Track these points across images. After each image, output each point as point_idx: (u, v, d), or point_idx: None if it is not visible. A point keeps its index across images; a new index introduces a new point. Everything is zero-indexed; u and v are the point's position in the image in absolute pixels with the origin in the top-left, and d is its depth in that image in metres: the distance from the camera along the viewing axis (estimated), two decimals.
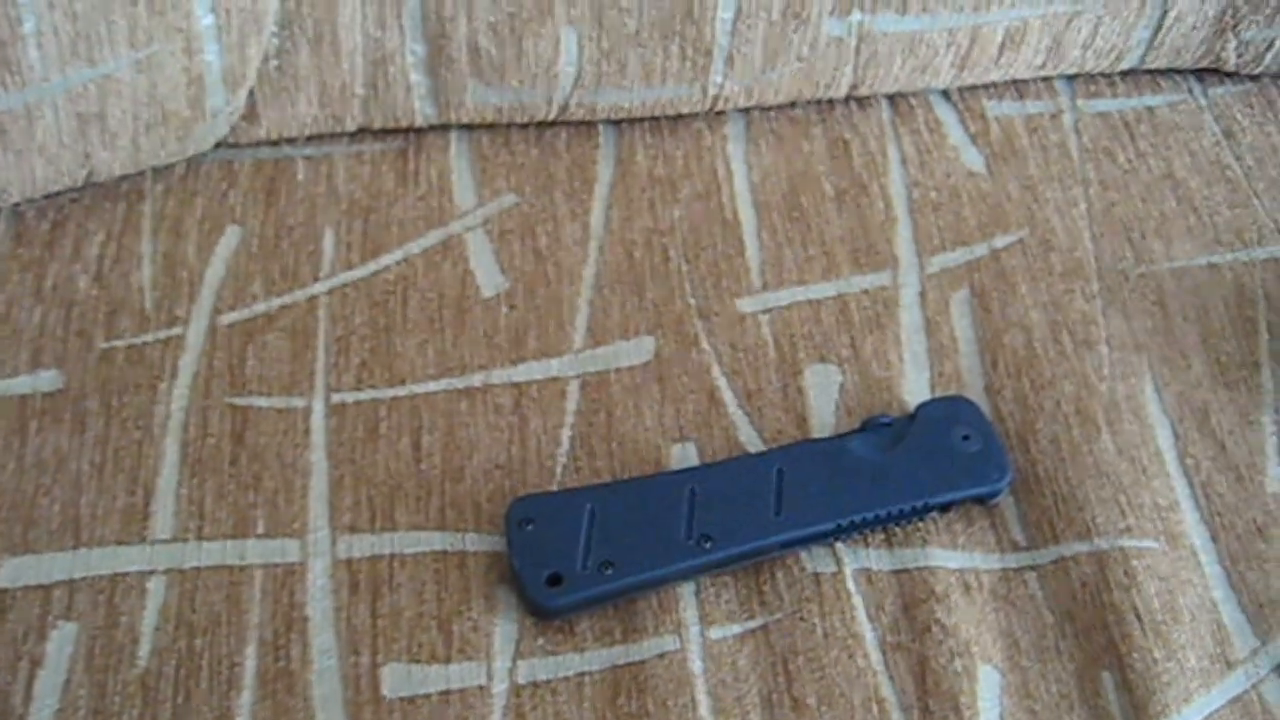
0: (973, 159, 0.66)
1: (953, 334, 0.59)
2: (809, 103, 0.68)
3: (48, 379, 0.55)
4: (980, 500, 0.54)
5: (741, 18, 0.62)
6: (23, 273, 0.59)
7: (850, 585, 0.52)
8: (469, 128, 0.65)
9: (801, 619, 0.51)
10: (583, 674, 0.49)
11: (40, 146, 0.57)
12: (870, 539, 0.53)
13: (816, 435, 0.56)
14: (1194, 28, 0.68)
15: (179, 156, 0.62)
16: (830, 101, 0.68)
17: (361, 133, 0.65)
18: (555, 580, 0.49)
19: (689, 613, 0.51)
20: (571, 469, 0.54)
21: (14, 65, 0.53)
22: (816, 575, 0.52)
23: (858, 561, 0.52)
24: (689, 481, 0.52)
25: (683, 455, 0.55)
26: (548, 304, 0.59)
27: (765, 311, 0.60)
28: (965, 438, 0.54)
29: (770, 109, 0.67)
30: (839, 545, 0.52)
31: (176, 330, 0.57)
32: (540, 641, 0.50)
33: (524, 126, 0.66)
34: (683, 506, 0.51)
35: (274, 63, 0.61)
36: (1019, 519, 0.54)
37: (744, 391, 0.57)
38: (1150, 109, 0.69)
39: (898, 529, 0.53)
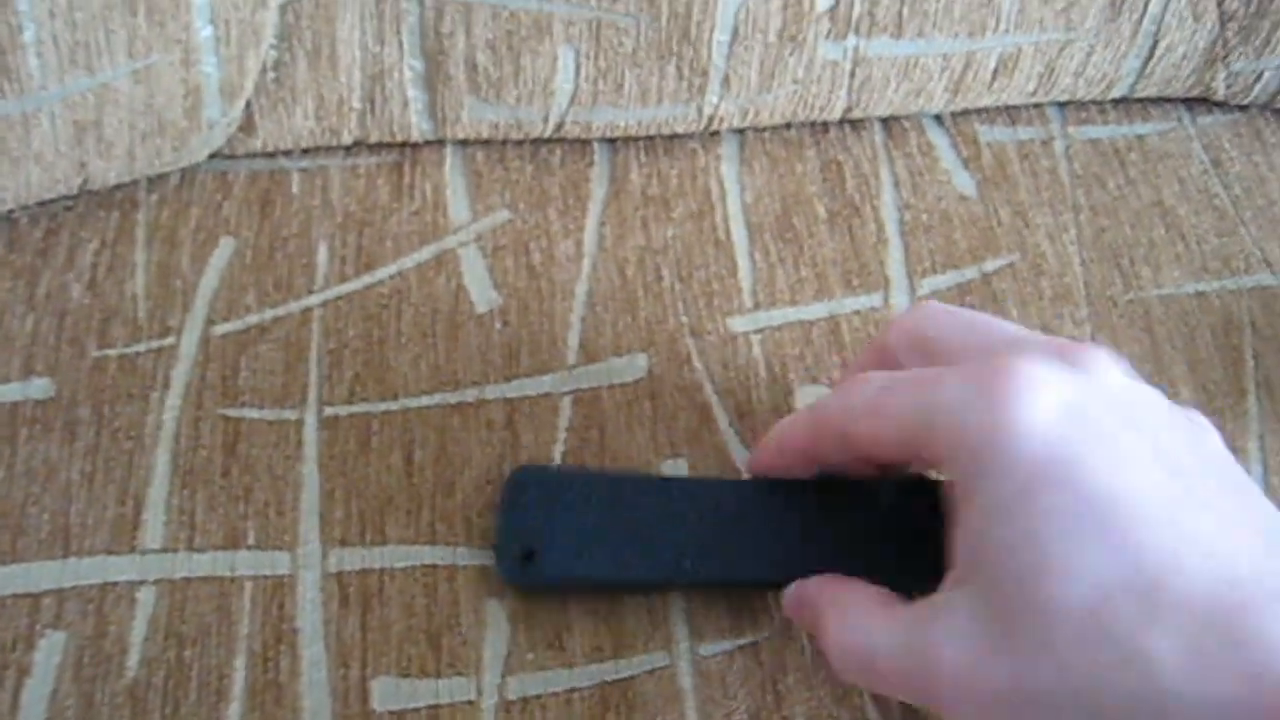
0: (964, 183, 0.67)
1: None
2: (803, 124, 0.68)
3: (39, 387, 0.55)
4: None
5: (738, 40, 0.62)
6: (15, 280, 0.58)
7: None
8: (464, 143, 0.66)
9: (791, 638, 0.51)
10: (572, 689, 0.49)
11: (36, 154, 0.57)
12: None
13: None
14: (1184, 58, 0.69)
15: (174, 166, 0.62)
16: (824, 124, 0.68)
17: (357, 146, 0.65)
18: (529, 556, 0.49)
19: (679, 628, 0.51)
20: None
21: (13, 73, 0.54)
22: None
23: None
24: (689, 495, 0.51)
25: (674, 471, 0.55)
26: (540, 320, 0.59)
27: (757, 331, 0.60)
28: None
29: (765, 130, 0.68)
30: None
31: (169, 340, 0.57)
32: (530, 656, 0.50)
33: (519, 143, 0.66)
34: (677, 521, 0.50)
35: (271, 75, 0.61)
36: None
37: (736, 410, 0.57)
38: (1140, 137, 0.70)
39: None
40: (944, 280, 0.63)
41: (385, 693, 0.49)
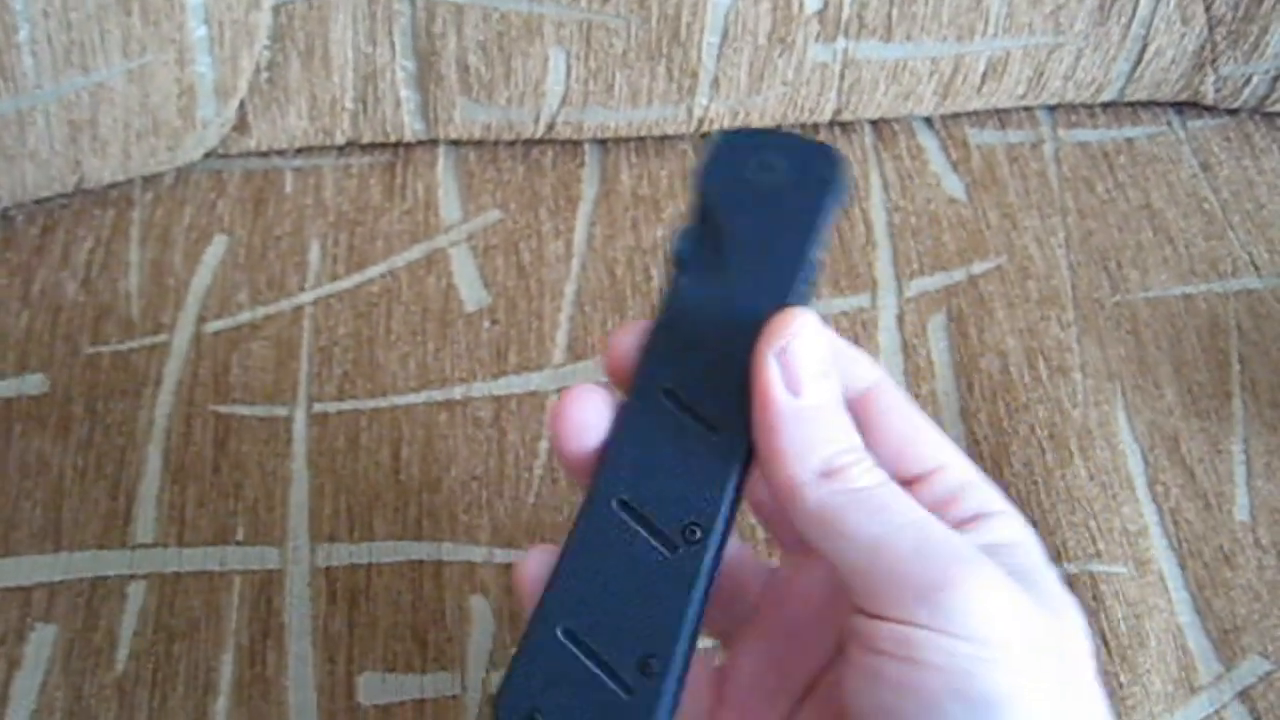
0: (953, 186, 0.67)
1: (929, 357, 0.60)
2: (793, 126, 0.68)
3: (33, 382, 0.56)
4: None
5: (728, 41, 0.63)
6: (11, 277, 0.59)
7: None
8: (456, 144, 0.66)
9: None
10: None
11: (31, 152, 0.57)
12: None
13: None
14: (1173, 62, 0.69)
15: (169, 165, 0.63)
16: (815, 125, 0.69)
17: (350, 146, 0.65)
18: None
19: None
20: (548, 480, 0.55)
21: (8, 72, 0.54)
22: None
23: None
24: None
25: None
26: (529, 319, 0.60)
27: None
28: None
29: None
30: None
31: (162, 337, 0.58)
32: (513, 652, 0.50)
33: (510, 144, 0.66)
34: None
35: (265, 75, 0.61)
36: None
37: None
38: (1129, 140, 0.70)
39: None
40: (932, 282, 0.63)
41: (371, 687, 0.49)
